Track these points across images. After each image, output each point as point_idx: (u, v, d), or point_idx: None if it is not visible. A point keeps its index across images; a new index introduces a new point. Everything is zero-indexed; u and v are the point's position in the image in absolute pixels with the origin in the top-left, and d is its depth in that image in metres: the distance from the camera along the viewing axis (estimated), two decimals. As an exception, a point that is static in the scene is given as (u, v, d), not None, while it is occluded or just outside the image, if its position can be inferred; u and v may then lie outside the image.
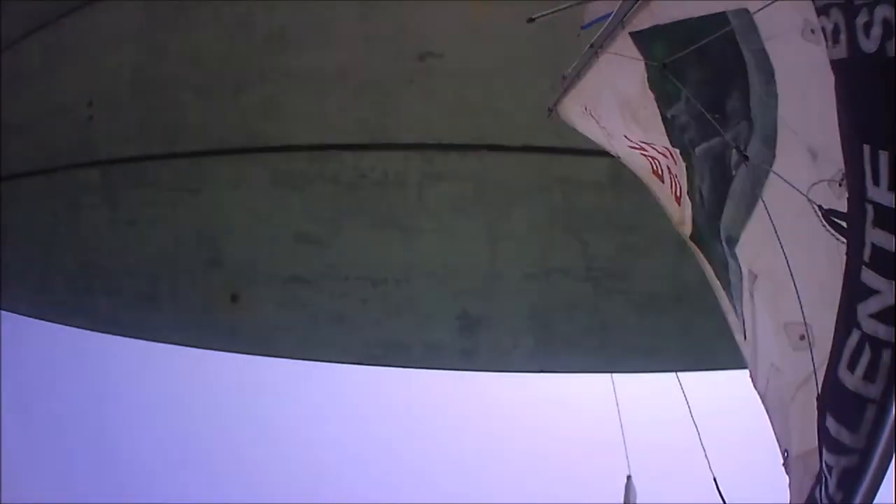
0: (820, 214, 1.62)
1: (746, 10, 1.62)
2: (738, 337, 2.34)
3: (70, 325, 7.05)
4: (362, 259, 5.51)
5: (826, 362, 1.32)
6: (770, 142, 1.74)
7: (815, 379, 1.59)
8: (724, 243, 2.12)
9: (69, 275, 6.92)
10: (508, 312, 5.44)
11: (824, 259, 1.42)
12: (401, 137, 5.40)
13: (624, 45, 2.57)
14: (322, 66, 5.62)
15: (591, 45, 2.91)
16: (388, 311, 5.54)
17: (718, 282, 2.58)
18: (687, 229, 2.92)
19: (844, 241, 1.36)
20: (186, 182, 6.01)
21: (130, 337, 6.60)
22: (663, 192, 3.17)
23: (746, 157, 1.82)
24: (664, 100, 2.50)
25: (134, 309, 6.47)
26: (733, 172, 1.98)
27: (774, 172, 1.72)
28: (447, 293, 5.44)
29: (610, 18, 2.62)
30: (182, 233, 6.06)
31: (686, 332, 5.62)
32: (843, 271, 1.29)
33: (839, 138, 1.25)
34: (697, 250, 2.88)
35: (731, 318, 2.44)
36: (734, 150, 1.94)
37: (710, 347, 5.67)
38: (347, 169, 5.47)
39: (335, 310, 5.63)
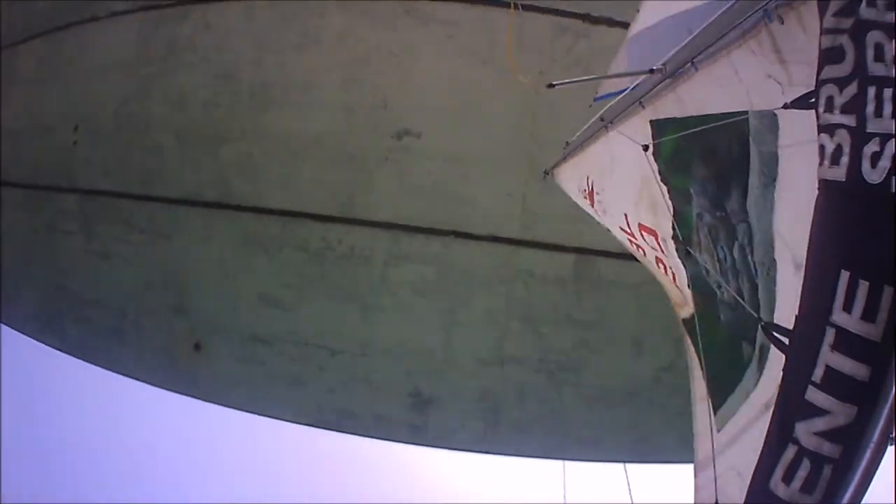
0: (761, 328, 1.72)
1: (773, 113, 1.63)
2: (701, 427, 2.37)
3: (38, 341, 7.21)
4: (322, 328, 5.67)
5: (751, 473, 1.40)
6: (770, 248, 1.76)
7: (716, 488, 1.78)
8: (756, 349, 2.10)
9: (43, 293, 7.08)
10: (459, 395, 5.63)
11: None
12: (371, 214, 5.52)
13: (640, 127, 2.58)
14: (301, 132, 5.72)
15: (602, 119, 2.95)
16: (343, 381, 5.72)
17: (702, 371, 2.61)
18: (685, 313, 2.98)
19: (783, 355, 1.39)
20: (159, 226, 6.15)
21: (95, 364, 6.78)
22: (659, 275, 3.26)
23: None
24: (676, 196, 2.53)
25: (100, 339, 6.65)
26: (756, 281, 1.97)
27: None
28: (401, 371, 5.62)
29: (624, 94, 2.62)
30: (151, 275, 6.21)
31: (634, 426, 5.82)
32: (779, 387, 1.34)
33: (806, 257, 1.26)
34: (687, 335, 2.95)
35: (703, 406, 2.46)
36: (751, 260, 1.94)
37: (657, 442, 5.89)
38: (316, 239, 5.60)
39: (292, 373, 5.81)
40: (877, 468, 1.07)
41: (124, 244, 6.37)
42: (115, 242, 6.42)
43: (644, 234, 2.96)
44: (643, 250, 3.20)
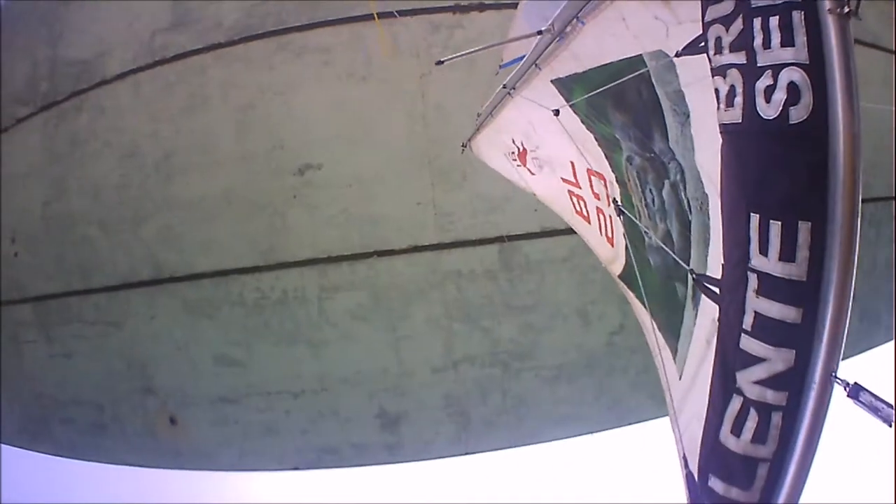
0: (691, 278, 1.69)
1: (664, 53, 1.61)
2: (670, 377, 2.35)
3: (36, 451, 7.51)
4: (278, 374, 5.83)
5: (701, 429, 1.38)
6: (700, 184, 1.74)
7: (681, 442, 1.74)
8: (689, 288, 2.08)
9: (24, 404, 7.37)
10: (424, 405, 5.74)
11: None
12: (293, 255, 5.65)
13: (544, 90, 2.58)
14: (209, 192, 5.86)
15: (505, 86, 3.01)
16: (311, 419, 5.87)
17: (653, 321, 2.59)
18: (617, 268, 2.99)
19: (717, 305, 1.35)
20: (107, 316, 6.36)
21: (88, 461, 7.05)
22: (590, 232, 3.28)
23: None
24: (604, 143, 2.52)
25: (86, 435, 6.90)
26: (689, 217, 1.94)
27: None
28: (363, 395, 5.75)
29: (524, 59, 2.63)
30: (113, 364, 6.43)
31: (601, 394, 5.87)
32: (717, 339, 1.31)
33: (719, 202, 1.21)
34: (626, 288, 2.96)
35: (666, 354, 2.42)
36: (685, 197, 1.92)
37: (629, 403, 5.94)
38: (249, 291, 5.74)
39: (263, 423, 5.98)
40: (826, 410, 1.06)
41: (82, 340, 6.60)
42: (73, 340, 6.66)
43: (593, 178, 2.91)
44: (583, 201, 3.14)
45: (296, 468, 6.13)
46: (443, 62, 3.34)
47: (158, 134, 6.10)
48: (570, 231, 5.60)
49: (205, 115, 5.90)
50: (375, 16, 5.49)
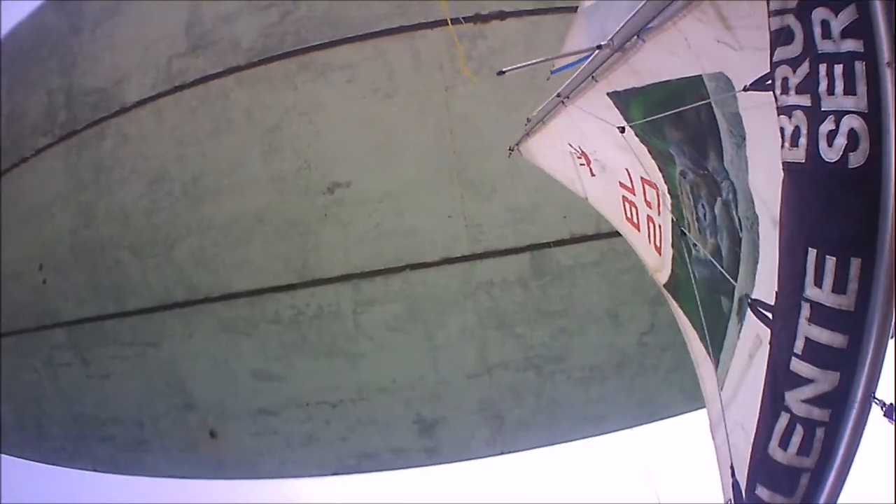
0: (747, 303, 1.80)
1: (725, 76, 1.67)
2: (709, 386, 2.47)
3: (74, 468, 7.78)
4: (317, 386, 6.09)
5: (751, 444, 1.53)
6: (751, 204, 1.82)
7: (729, 452, 1.86)
8: (735, 302, 2.18)
9: (63, 424, 7.63)
10: (460, 410, 6.03)
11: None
12: (327, 272, 5.86)
13: (599, 101, 2.67)
14: (240, 213, 6.05)
15: (559, 95, 3.04)
16: (350, 427, 6.15)
17: (694, 331, 2.72)
18: (663, 277, 3.09)
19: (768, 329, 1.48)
20: (143, 337, 6.58)
21: (129, 475, 7.33)
22: (638, 239, 3.39)
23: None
24: (658, 156, 2.61)
25: (127, 451, 7.19)
26: (740, 235, 2.02)
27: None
28: (400, 403, 6.03)
29: (580, 71, 2.68)
30: (152, 382, 6.67)
31: (633, 392, 6.16)
32: (767, 361, 1.43)
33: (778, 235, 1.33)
34: (670, 298, 3.07)
35: (707, 366, 2.53)
36: (736, 215, 2.01)
37: (660, 400, 6.24)
38: (285, 308, 5.97)
39: (304, 432, 6.26)
40: (865, 425, 1.18)
41: (119, 361, 6.84)
42: (111, 361, 6.89)
43: (647, 187, 2.99)
44: (635, 208, 3.26)
45: (336, 473, 6.43)
46: (504, 72, 3.44)
47: (185, 158, 6.26)
48: (599, 236, 5.88)
49: (231, 138, 6.06)
50: (451, 30, 5.53)
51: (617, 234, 5.76)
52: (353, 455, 6.30)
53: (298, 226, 5.90)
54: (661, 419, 6.32)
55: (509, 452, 6.25)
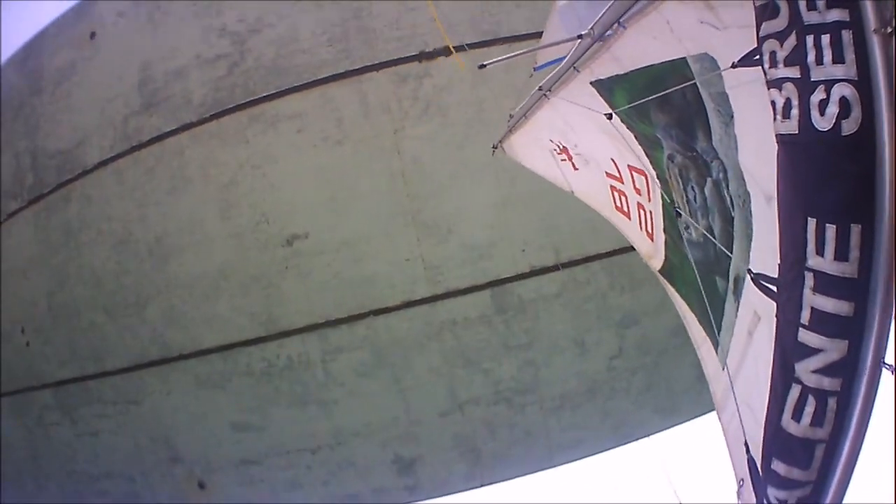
0: (750, 278, 1.79)
1: (709, 56, 1.69)
2: (711, 366, 2.48)
3: (76, 521, 8.01)
4: (295, 434, 6.23)
5: (763, 419, 1.53)
6: (742, 182, 1.83)
7: (743, 429, 1.86)
8: (731, 282, 2.19)
9: (58, 481, 7.87)
10: (436, 447, 6.14)
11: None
12: (293, 323, 5.98)
13: (583, 91, 2.68)
14: (204, 270, 6.18)
15: (541, 88, 3.07)
16: (331, 471, 6.29)
17: (693, 314, 2.73)
18: (657, 263, 3.12)
19: (774, 302, 1.49)
20: (125, 395, 6.77)
21: (127, 527, 7.53)
22: (630, 228, 3.42)
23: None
24: (645, 141, 2.62)
25: (123, 504, 7.36)
26: (732, 213, 2.03)
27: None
28: (376, 445, 6.16)
29: (563, 62, 2.70)
30: (138, 439, 6.87)
31: (606, 416, 6.22)
32: (775, 333, 1.44)
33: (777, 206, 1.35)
34: (666, 283, 3.09)
35: (707, 346, 2.56)
36: (727, 194, 2.03)
37: (634, 421, 6.28)
38: (256, 361, 6.10)
39: (287, 479, 6.42)
40: (876, 392, 1.18)
41: (105, 419, 7.03)
42: (97, 420, 7.09)
43: (635, 174, 3.01)
44: (624, 197, 3.27)
45: (323, 516, 6.57)
46: (485, 66, 3.41)
47: (147, 219, 6.39)
48: (558, 267, 5.90)
49: (189, 196, 6.17)
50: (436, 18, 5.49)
51: (576, 263, 5.87)
52: (337, 497, 6.44)
53: (261, 280, 6.01)
54: (638, 439, 6.37)
55: (489, 484, 6.35)
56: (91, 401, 7.05)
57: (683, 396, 6.12)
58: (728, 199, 2.00)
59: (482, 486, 6.35)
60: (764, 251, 1.67)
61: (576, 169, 3.78)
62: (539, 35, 3.90)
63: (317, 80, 6.06)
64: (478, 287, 5.82)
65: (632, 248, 5.72)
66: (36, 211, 7.10)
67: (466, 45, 5.65)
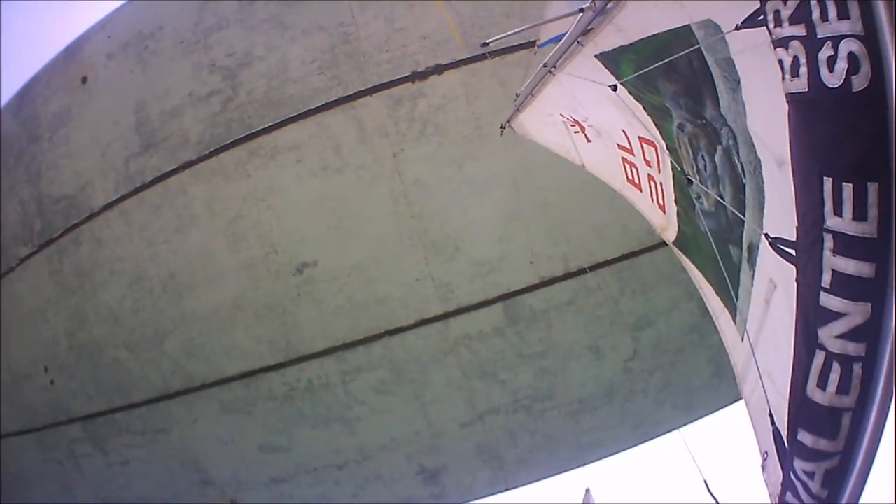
0: (767, 243, 1.76)
1: (713, 22, 1.68)
2: (730, 337, 2.46)
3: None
4: (321, 452, 6.54)
5: (788, 387, 1.49)
6: (752, 148, 1.81)
7: (767, 398, 1.82)
8: (744, 250, 2.16)
9: (95, 510, 8.22)
10: (459, 456, 6.45)
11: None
12: (310, 347, 6.23)
13: (588, 65, 2.68)
14: (219, 303, 6.40)
15: (545, 65, 3.07)
16: (359, 485, 6.61)
17: (709, 285, 2.71)
18: (671, 235, 3.12)
19: (793, 266, 1.46)
20: (153, 425, 7.06)
21: (167, 548, 7.92)
22: (642, 200, 3.41)
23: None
24: (653, 111, 2.61)
25: (160, 528, 7.73)
26: (743, 181, 2.00)
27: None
28: (401, 458, 6.46)
29: (565, 38, 2.72)
30: (169, 464, 7.19)
31: (625, 417, 6.48)
32: (796, 298, 1.41)
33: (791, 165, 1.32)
34: (681, 254, 3.08)
35: (725, 317, 2.53)
36: (738, 161, 1.99)
37: (654, 419, 6.55)
38: (277, 386, 6.37)
39: (317, 495, 6.75)
40: None
41: (135, 448, 7.36)
42: (128, 449, 7.41)
43: (645, 146, 3.00)
44: (635, 169, 3.26)
45: (354, 527, 6.92)
46: (488, 44, 3.44)
47: (158, 257, 6.59)
48: (568, 276, 6.08)
49: (197, 232, 6.36)
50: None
51: (585, 271, 6.04)
52: (367, 509, 6.78)
53: (275, 308, 6.23)
54: (659, 436, 6.64)
55: (515, 487, 6.66)
56: (120, 432, 7.36)
57: (702, 392, 6.36)
58: (739, 166, 2.00)
59: (507, 489, 6.67)
60: (779, 217, 1.66)
61: (589, 141, 3.78)
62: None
63: (311, 109, 6.17)
64: (489, 301, 6.03)
65: (641, 252, 5.97)
66: (48, 255, 7.30)
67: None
